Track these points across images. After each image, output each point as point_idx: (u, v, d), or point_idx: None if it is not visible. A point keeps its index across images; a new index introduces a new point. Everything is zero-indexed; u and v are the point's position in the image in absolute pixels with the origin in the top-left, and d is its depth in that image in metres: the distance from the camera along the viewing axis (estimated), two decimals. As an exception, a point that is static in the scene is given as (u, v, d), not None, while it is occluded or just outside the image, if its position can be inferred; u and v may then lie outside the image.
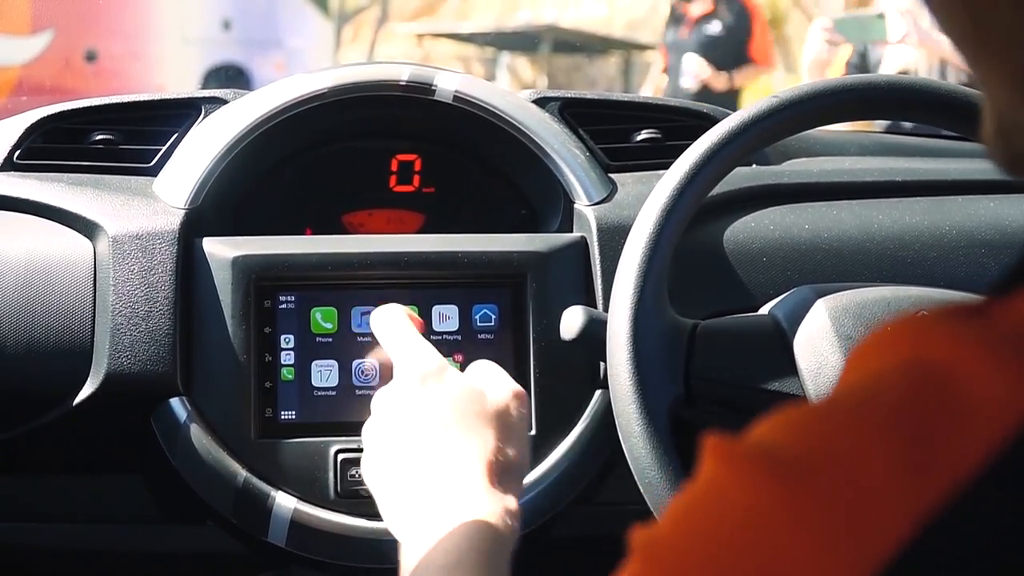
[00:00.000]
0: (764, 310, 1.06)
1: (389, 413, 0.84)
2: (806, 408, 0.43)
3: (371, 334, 1.08)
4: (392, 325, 0.90)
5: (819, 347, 0.97)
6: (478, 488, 0.77)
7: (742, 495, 0.42)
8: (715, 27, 5.60)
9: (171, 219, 1.09)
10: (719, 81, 5.43)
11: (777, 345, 0.99)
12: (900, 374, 0.42)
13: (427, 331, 1.10)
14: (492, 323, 1.11)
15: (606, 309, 1.01)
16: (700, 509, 0.43)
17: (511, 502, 0.78)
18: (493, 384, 0.85)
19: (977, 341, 0.41)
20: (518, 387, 0.85)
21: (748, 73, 5.64)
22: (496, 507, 0.76)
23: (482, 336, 1.11)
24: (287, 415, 1.08)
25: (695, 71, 5.42)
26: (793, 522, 0.40)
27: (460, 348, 1.10)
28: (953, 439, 0.40)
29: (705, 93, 5.33)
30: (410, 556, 0.75)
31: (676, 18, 5.88)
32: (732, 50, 5.55)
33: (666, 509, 0.46)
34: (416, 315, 0.92)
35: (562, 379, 1.10)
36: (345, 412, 1.08)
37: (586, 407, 1.09)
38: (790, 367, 0.98)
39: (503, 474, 0.79)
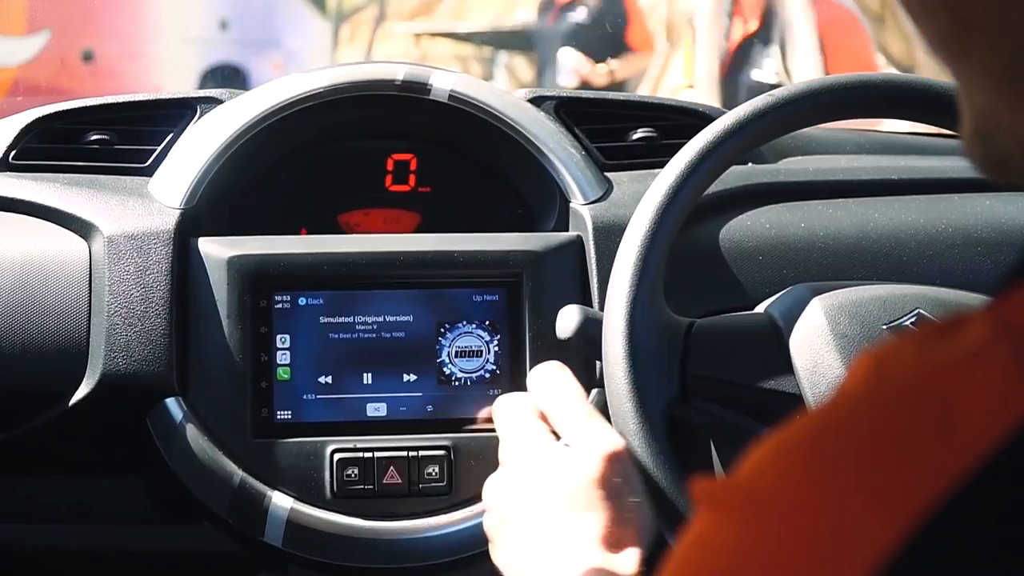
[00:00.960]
0: (760, 308, 1.06)
1: (505, 505, 0.86)
2: (785, 440, 0.43)
3: (367, 333, 1.09)
4: (512, 413, 0.92)
5: (815, 345, 0.97)
6: (594, 564, 0.79)
7: (724, 538, 0.42)
8: (580, 14, 5.20)
9: (166, 219, 1.09)
10: (598, 75, 5.10)
11: (773, 343, 0.99)
12: (873, 397, 0.41)
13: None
14: (488, 322, 1.11)
15: (602, 308, 1.01)
16: (688, 562, 0.43)
17: (628, 567, 0.79)
18: (593, 451, 0.85)
19: (956, 353, 0.40)
20: (616, 446, 0.85)
21: (629, 62, 5.25)
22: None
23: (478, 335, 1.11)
24: (283, 415, 1.08)
25: (573, 66, 5.07)
26: (771, 560, 0.40)
27: None
28: (933, 459, 0.39)
29: (585, 88, 4.93)
30: None
31: (545, 5, 5.49)
32: (604, 38, 5.18)
33: (665, 563, 0.46)
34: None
35: (558, 378, 1.10)
36: (341, 412, 1.08)
37: (582, 406, 1.09)
38: (786, 365, 0.98)
39: (618, 543, 0.81)
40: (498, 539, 0.87)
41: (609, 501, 0.82)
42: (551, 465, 0.85)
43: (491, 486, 0.89)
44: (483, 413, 1.10)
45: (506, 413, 0.92)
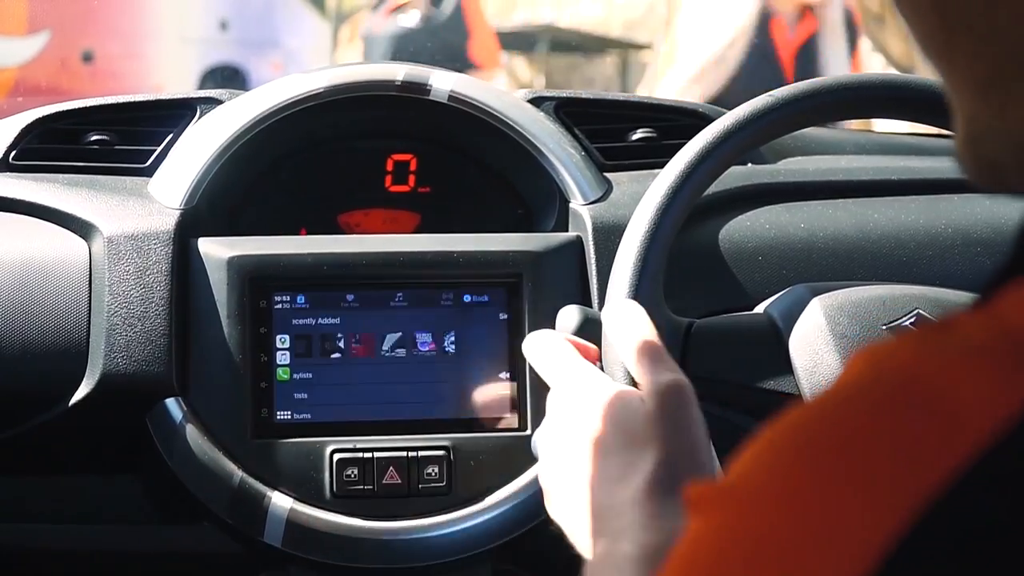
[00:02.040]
0: (759, 309, 1.06)
1: (558, 451, 0.79)
2: (779, 434, 0.42)
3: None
4: (545, 350, 0.85)
5: (814, 345, 0.97)
6: (639, 517, 0.70)
7: (716, 539, 0.42)
8: (411, 19, 4.67)
9: (166, 219, 1.09)
10: None
11: (772, 344, 0.99)
12: (870, 390, 0.41)
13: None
14: (487, 323, 1.11)
15: (602, 308, 1.01)
16: (683, 566, 0.43)
17: (675, 517, 0.70)
18: (653, 380, 0.77)
19: (952, 349, 0.41)
20: (679, 378, 0.76)
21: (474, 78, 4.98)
22: (655, 536, 0.69)
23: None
24: (283, 415, 1.08)
25: None
26: (764, 555, 0.40)
27: None
28: (930, 450, 0.39)
29: None
30: None
31: (377, 5, 5.02)
32: (438, 48, 4.61)
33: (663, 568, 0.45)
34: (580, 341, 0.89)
35: (558, 378, 1.09)
36: (341, 412, 1.08)
37: (582, 406, 1.09)
38: (785, 366, 0.98)
39: (670, 483, 0.72)
40: (552, 489, 0.79)
41: (675, 434, 0.73)
42: (613, 404, 0.77)
43: (541, 436, 0.82)
44: (481, 413, 1.10)
45: (546, 356, 0.85)
